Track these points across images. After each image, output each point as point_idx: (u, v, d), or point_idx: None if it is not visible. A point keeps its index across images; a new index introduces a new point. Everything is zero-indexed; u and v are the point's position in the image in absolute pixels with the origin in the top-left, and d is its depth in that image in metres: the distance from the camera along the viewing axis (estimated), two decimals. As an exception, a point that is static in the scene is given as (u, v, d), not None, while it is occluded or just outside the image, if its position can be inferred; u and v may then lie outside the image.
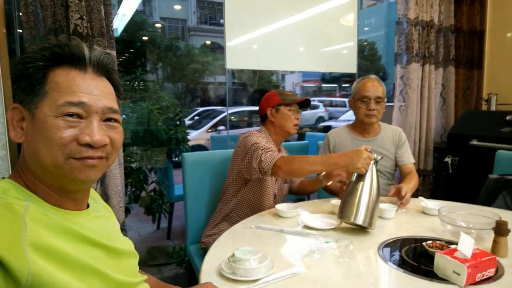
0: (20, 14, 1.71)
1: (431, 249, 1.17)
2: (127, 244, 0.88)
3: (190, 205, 1.96)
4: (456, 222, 1.34)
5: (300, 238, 1.33)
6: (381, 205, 1.55)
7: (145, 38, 10.00)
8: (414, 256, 1.20)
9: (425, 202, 1.65)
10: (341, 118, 10.17)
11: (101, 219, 0.84)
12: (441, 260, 1.04)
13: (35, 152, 0.70)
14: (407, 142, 2.09)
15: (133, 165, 2.85)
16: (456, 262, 0.99)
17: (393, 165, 2.07)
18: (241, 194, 1.70)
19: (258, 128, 1.85)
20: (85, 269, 0.69)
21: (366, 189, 1.40)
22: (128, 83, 2.83)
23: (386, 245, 1.27)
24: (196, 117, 8.93)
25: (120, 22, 6.14)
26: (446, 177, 2.68)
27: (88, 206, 0.84)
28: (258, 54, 2.50)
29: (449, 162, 2.58)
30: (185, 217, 1.99)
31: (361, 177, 1.42)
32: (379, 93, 1.94)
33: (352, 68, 2.81)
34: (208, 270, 1.08)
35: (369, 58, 14.30)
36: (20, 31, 1.80)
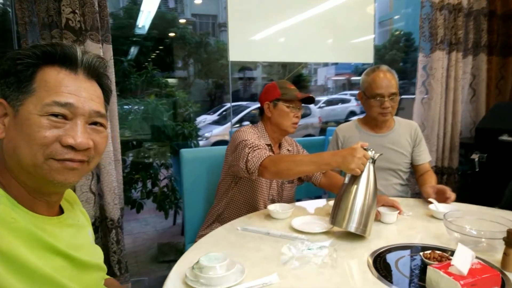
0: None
1: (427, 261, 1.03)
2: (96, 257, 0.86)
3: (188, 202, 1.90)
4: (464, 229, 1.18)
5: (285, 243, 1.22)
6: (381, 209, 1.41)
7: (172, 34, 10.12)
8: (409, 268, 1.06)
9: (435, 205, 1.48)
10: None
11: (72, 228, 0.81)
12: (433, 275, 0.90)
13: (15, 150, 0.68)
14: (423, 139, 1.91)
15: (146, 161, 2.84)
16: (448, 278, 0.85)
17: (408, 163, 1.89)
18: (231, 193, 1.61)
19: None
20: (43, 278, 0.66)
21: (361, 192, 1.26)
22: (138, 78, 2.81)
23: (380, 254, 1.14)
24: (224, 113, 8.93)
25: (145, 19, 6.24)
26: (473, 176, 2.43)
27: (62, 211, 0.82)
28: (274, 45, 2.42)
29: (476, 159, 2.34)
30: (183, 214, 1.93)
31: (356, 178, 1.28)
32: (393, 88, 1.75)
33: (369, 58, 2.63)
34: (175, 276, 1.01)
35: (404, 50, 13.63)
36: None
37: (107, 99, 0.82)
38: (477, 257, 0.95)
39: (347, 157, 1.25)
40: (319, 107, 11.17)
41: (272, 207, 1.48)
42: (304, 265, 1.05)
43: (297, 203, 1.71)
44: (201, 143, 6.21)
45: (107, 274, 1.90)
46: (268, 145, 1.63)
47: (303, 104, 1.67)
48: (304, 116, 8.49)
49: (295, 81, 11.95)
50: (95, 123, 0.75)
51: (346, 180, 1.30)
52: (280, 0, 2.43)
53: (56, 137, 0.68)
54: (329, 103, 11.67)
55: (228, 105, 10.05)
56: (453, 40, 2.59)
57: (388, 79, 1.75)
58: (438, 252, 1.07)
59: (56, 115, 0.68)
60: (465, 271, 0.86)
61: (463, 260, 0.88)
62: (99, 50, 1.73)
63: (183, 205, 1.91)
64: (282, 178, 1.62)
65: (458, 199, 1.56)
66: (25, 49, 0.71)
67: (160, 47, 10.05)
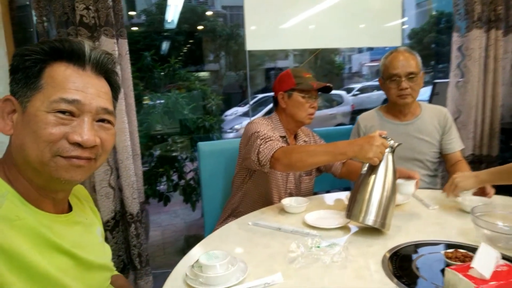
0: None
1: (448, 260, 0.93)
2: (102, 257, 0.86)
3: (206, 195, 1.88)
4: (495, 225, 1.06)
5: (296, 239, 1.16)
6: (398, 181, 1.31)
7: (200, 27, 10.18)
8: (428, 268, 0.97)
9: (463, 197, 1.35)
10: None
11: (79, 226, 0.81)
12: (451, 278, 0.81)
13: (22, 147, 0.68)
14: (454, 125, 1.76)
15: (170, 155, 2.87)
16: (467, 282, 0.76)
17: (437, 153, 1.75)
18: (246, 187, 1.57)
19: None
20: (45, 277, 0.66)
21: (379, 183, 1.18)
22: (162, 72, 2.83)
23: (397, 251, 1.05)
24: (254, 104, 8.88)
25: (174, 13, 6.29)
26: (515, 165, 2.22)
27: (71, 208, 0.82)
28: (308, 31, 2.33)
29: (518, 146, 2.13)
30: (202, 207, 1.92)
31: (374, 168, 1.19)
32: (411, 67, 1.63)
33: (396, 41, 2.46)
34: (177, 274, 0.98)
35: (445, 31, 12.84)
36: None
37: (115, 96, 0.82)
38: (506, 258, 0.85)
39: (365, 145, 1.16)
40: (353, 95, 10.83)
41: (286, 201, 1.42)
42: (311, 264, 0.98)
43: (316, 196, 1.63)
44: (231, 135, 6.21)
45: (129, 268, 1.94)
46: (283, 136, 1.57)
47: (320, 93, 1.58)
48: (336, 104, 8.28)
49: (327, 69, 11.66)
50: (102, 120, 0.74)
51: (364, 170, 1.22)
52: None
53: (63, 134, 0.68)
54: (364, 90, 11.29)
55: (259, 96, 10.00)
56: (492, 17, 2.36)
57: (405, 59, 1.64)
58: (461, 251, 0.97)
59: (63, 112, 0.68)
60: (487, 274, 0.76)
61: (486, 262, 0.79)
62: (114, 45, 1.73)
63: (202, 198, 1.90)
64: (296, 170, 1.55)
65: (498, 192, 1.41)
66: (34, 45, 0.70)
67: (191, 41, 10.16)
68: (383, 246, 1.09)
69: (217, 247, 1.17)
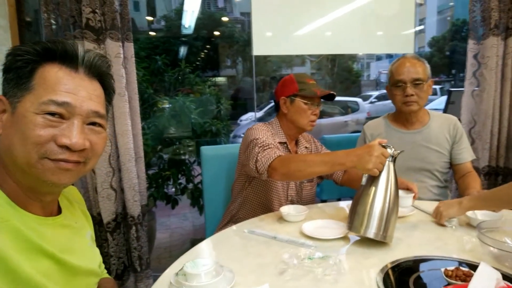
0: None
1: (448, 279, 0.88)
2: (89, 262, 0.84)
3: (208, 200, 1.87)
4: (502, 243, 0.99)
5: (291, 249, 1.12)
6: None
7: (217, 33, 10.26)
8: (426, 286, 0.91)
9: (473, 211, 1.28)
10: (429, 106, 9.11)
11: (67, 230, 0.80)
12: (447, 298, 0.75)
13: (10, 148, 0.68)
14: (465, 135, 1.68)
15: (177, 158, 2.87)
16: (462, 304, 0.70)
17: (447, 163, 1.68)
18: (245, 194, 1.53)
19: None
20: (26, 280, 0.65)
21: (380, 194, 1.13)
22: (172, 76, 2.84)
23: (395, 267, 1.00)
24: (269, 110, 8.87)
25: (190, 19, 6.36)
26: (533, 178, 2.12)
27: (60, 211, 0.81)
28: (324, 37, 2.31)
29: (537, 159, 2.03)
30: (204, 212, 1.90)
31: (374, 179, 1.14)
32: (418, 73, 1.57)
33: (410, 49, 2.40)
34: (161, 283, 0.95)
35: (467, 40, 12.56)
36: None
37: (109, 99, 0.80)
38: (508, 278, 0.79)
39: (364, 156, 1.12)
40: (371, 102, 10.68)
41: (284, 209, 1.38)
42: (302, 277, 0.94)
43: (317, 205, 1.59)
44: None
45: (130, 270, 1.92)
46: (283, 142, 1.53)
47: (322, 100, 1.54)
48: (351, 111, 8.17)
49: (344, 76, 11.55)
50: (93, 124, 0.73)
51: (364, 181, 1.17)
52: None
53: (51, 136, 0.67)
54: (382, 98, 11.13)
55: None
56: (510, 24, 2.27)
57: (412, 65, 1.59)
58: (464, 269, 0.90)
59: (52, 114, 0.67)
60: (485, 296, 0.70)
61: (485, 283, 0.73)
62: (120, 48, 1.74)
63: (204, 202, 1.88)
64: (293, 179, 1.51)
65: None
66: (27, 45, 0.70)
67: (208, 46, 10.25)
68: (380, 260, 1.03)
69: (208, 254, 1.15)
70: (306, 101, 1.50)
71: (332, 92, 1.52)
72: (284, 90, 1.55)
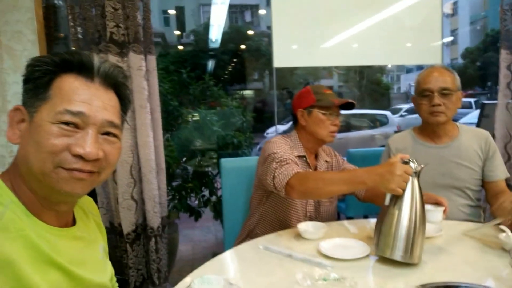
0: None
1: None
2: (100, 275, 0.83)
3: (227, 213, 1.84)
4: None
5: (306, 268, 1.07)
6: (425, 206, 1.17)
7: (243, 46, 10.39)
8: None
9: (507, 234, 1.18)
10: (463, 120, 8.75)
11: (80, 242, 0.80)
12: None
13: (26, 156, 0.69)
14: (498, 151, 1.58)
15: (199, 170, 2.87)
16: None
17: (479, 180, 1.58)
18: (263, 208, 1.49)
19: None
20: None
21: (405, 214, 1.07)
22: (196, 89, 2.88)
23: (419, 292, 0.92)
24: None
25: (217, 33, 6.49)
26: None
27: (75, 222, 0.81)
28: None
29: None
30: (223, 225, 1.88)
31: (398, 198, 1.08)
32: (446, 83, 1.49)
33: (437, 60, 2.31)
34: (172, 296, 0.93)
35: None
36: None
37: (124, 109, 0.81)
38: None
39: (385, 175, 1.06)
40: (401, 116, 10.41)
41: (302, 226, 1.32)
42: (314, 299, 0.89)
43: (337, 222, 1.52)
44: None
45: (148, 282, 1.92)
46: (302, 156, 1.49)
47: (342, 111, 1.50)
48: (380, 125, 7.98)
49: (372, 88, 11.35)
50: (108, 133, 0.73)
51: (387, 200, 1.11)
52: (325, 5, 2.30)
53: (65, 146, 0.67)
54: (412, 111, 10.85)
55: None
56: (547, 32, 2.14)
57: (440, 74, 1.52)
58: (493, 298, 0.83)
59: (67, 123, 0.68)
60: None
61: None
62: (142, 61, 1.77)
63: (223, 215, 1.86)
64: (312, 198, 1.47)
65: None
66: (45, 56, 0.72)
67: (235, 60, 10.39)
68: (401, 284, 0.96)
69: (219, 270, 1.11)
70: (324, 112, 1.46)
71: (350, 101, 1.47)
72: (301, 102, 1.52)
